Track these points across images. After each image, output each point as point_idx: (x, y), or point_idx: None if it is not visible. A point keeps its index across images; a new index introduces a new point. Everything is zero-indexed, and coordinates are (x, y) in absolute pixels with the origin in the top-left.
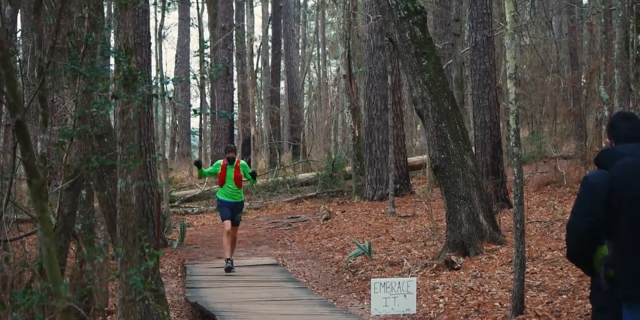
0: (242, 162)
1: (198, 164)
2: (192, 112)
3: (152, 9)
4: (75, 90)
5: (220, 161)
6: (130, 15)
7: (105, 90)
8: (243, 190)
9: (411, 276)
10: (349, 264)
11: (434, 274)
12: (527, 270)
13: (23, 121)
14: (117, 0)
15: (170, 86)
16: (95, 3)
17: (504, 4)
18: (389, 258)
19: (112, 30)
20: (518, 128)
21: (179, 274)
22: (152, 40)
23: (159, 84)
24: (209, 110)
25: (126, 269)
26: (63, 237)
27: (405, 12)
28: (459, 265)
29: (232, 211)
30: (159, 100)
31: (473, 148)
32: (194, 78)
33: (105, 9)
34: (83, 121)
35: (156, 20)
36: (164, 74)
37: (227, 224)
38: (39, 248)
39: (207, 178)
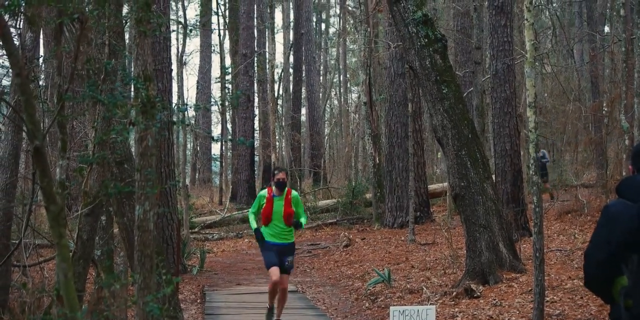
0: (295, 193)
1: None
2: (212, 139)
3: (173, 35)
4: (95, 116)
5: (265, 191)
6: (149, 43)
7: (125, 116)
8: None
9: (430, 304)
10: (369, 291)
11: (453, 302)
12: (547, 299)
13: (41, 147)
14: (137, 27)
15: (191, 113)
16: (115, 30)
17: (524, 33)
18: (408, 286)
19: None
20: (537, 156)
21: (198, 300)
22: (174, 66)
23: (177, 111)
24: (228, 137)
25: (143, 296)
26: (82, 263)
27: (426, 40)
28: (479, 294)
29: (280, 255)
30: (179, 127)
31: (493, 176)
32: (213, 105)
33: (127, 36)
34: (102, 147)
35: (177, 48)
36: (185, 101)
37: (274, 272)
38: (57, 274)
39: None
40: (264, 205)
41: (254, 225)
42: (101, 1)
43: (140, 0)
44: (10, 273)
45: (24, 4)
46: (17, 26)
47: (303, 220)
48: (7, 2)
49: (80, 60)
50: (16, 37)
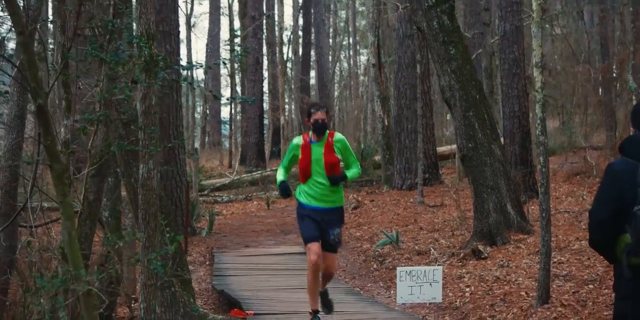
0: (339, 135)
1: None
2: (214, 97)
3: None
4: (100, 76)
5: (299, 138)
6: (152, 2)
7: (128, 75)
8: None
9: (438, 265)
10: (377, 253)
11: (460, 264)
12: (554, 260)
13: (44, 106)
14: None
15: (200, 75)
16: None
17: None
18: (416, 247)
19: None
20: (544, 117)
21: (207, 262)
22: (182, 29)
23: (181, 70)
24: (231, 97)
25: (147, 254)
26: (88, 224)
27: (433, 1)
28: (486, 255)
29: (322, 225)
30: (188, 89)
31: (502, 138)
32: (217, 64)
33: None
34: (107, 107)
35: (187, 10)
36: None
37: (314, 249)
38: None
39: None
40: (299, 155)
41: (279, 177)
42: None
43: None
44: (17, 233)
45: None
46: None
47: (350, 172)
48: None
49: (83, 20)
50: None
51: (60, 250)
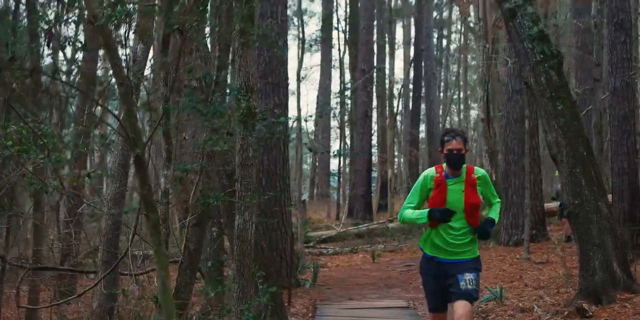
0: (480, 170)
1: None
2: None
3: (294, 51)
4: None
5: (432, 171)
6: (251, 54)
7: (225, 127)
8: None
9: None
10: (480, 308)
11: None
12: None
13: (142, 156)
14: (239, 39)
15: (311, 127)
16: (225, 43)
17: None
18: (520, 304)
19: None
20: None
21: (309, 314)
22: (293, 81)
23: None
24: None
25: (240, 305)
26: (189, 273)
27: (541, 56)
28: (591, 313)
29: (445, 281)
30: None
31: (610, 195)
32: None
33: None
34: (208, 159)
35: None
36: (302, 115)
37: (435, 318)
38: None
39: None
40: (432, 191)
41: (419, 212)
42: (201, 13)
43: (243, 12)
44: (118, 281)
45: (129, 15)
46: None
47: (494, 214)
48: (109, 14)
49: (182, 71)
50: (127, 49)
51: (154, 299)
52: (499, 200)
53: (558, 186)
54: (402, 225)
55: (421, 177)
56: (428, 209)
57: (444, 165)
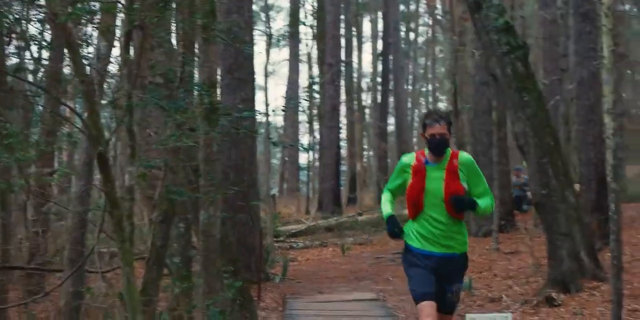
0: (465, 155)
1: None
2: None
3: (262, 45)
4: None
5: (411, 157)
6: (214, 50)
7: (188, 122)
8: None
9: (510, 312)
10: None
11: (533, 311)
12: (629, 307)
13: (105, 153)
14: (202, 35)
15: (280, 122)
16: (189, 38)
17: (602, 38)
18: (489, 294)
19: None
20: (617, 163)
21: (279, 308)
22: (261, 76)
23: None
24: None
25: (205, 300)
26: (155, 269)
27: (507, 47)
28: (559, 302)
29: (438, 277)
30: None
31: (578, 184)
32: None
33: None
34: (175, 154)
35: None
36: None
37: (427, 310)
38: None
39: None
40: (410, 179)
41: (386, 209)
42: (161, 9)
43: (205, 8)
44: (84, 279)
45: (92, 13)
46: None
47: (483, 202)
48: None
49: (143, 67)
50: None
51: (120, 296)
52: (491, 195)
53: (514, 178)
54: (371, 218)
55: (399, 163)
56: (388, 214)
57: (426, 150)
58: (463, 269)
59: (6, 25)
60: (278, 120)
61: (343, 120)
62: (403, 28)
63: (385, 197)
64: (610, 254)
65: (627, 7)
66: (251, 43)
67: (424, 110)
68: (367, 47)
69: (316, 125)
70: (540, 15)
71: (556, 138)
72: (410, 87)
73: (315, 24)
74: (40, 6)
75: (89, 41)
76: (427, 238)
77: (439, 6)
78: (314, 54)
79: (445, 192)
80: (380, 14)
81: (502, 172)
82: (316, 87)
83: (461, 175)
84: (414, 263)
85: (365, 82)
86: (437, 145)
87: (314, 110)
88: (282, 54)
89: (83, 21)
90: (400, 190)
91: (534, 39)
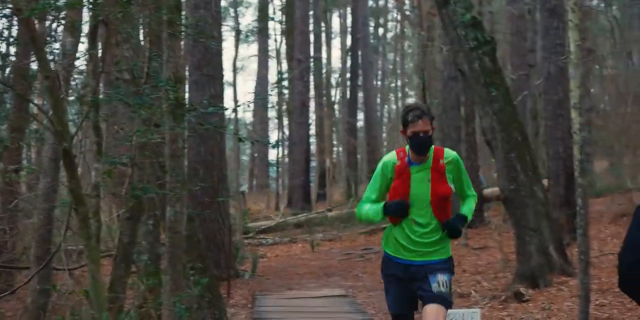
0: (450, 153)
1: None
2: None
3: (230, 41)
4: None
5: (392, 155)
6: (179, 45)
7: (155, 118)
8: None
9: (478, 308)
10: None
11: (502, 306)
12: (596, 302)
13: (69, 149)
14: (167, 30)
15: (249, 118)
16: (155, 34)
17: (569, 33)
18: (458, 290)
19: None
20: (583, 158)
21: (249, 305)
22: (230, 72)
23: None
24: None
25: (171, 297)
26: (123, 266)
27: (475, 42)
28: (528, 297)
29: (411, 284)
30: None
31: (547, 179)
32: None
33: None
34: (141, 150)
35: (236, 54)
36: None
37: None
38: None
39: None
40: (392, 181)
41: (374, 206)
42: (125, 4)
43: (170, 3)
44: (51, 277)
45: (58, 8)
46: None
47: (466, 209)
48: (32, 6)
49: (109, 63)
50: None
51: (85, 293)
52: (474, 194)
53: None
54: (340, 214)
55: (380, 165)
56: (382, 203)
57: (407, 148)
58: (447, 268)
59: None
60: (247, 116)
61: (312, 116)
62: (372, 23)
63: (363, 207)
64: (578, 248)
65: (594, 2)
66: (219, 39)
67: (393, 106)
68: (336, 42)
69: (285, 121)
70: (508, 10)
71: (524, 133)
72: (379, 83)
73: (284, 19)
74: (4, 1)
75: (55, 37)
76: (403, 245)
77: (407, 1)
78: (283, 49)
79: (432, 195)
80: (349, 9)
81: (470, 168)
82: (285, 83)
83: (448, 176)
84: (389, 275)
85: (334, 78)
86: (421, 145)
87: (283, 106)
88: (251, 49)
89: (49, 17)
90: (382, 195)
91: (501, 34)
